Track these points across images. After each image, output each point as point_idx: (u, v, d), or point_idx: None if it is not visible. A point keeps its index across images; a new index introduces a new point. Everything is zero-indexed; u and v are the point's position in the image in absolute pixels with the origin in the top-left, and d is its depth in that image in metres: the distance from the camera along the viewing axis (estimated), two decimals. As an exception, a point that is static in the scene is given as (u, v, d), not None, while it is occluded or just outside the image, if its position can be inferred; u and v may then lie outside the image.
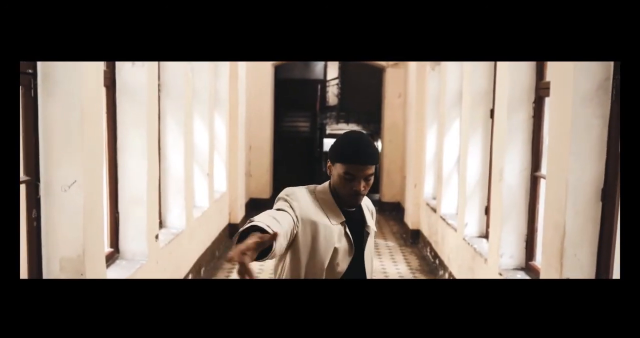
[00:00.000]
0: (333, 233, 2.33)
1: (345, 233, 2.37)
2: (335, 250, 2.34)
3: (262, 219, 2.06)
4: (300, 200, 2.32)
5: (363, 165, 2.26)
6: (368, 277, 2.48)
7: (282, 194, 2.37)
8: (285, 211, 2.26)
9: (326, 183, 2.44)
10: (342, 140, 2.33)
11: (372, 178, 2.32)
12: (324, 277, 2.34)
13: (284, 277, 2.38)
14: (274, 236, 1.91)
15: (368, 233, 2.47)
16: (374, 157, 2.29)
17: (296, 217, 2.28)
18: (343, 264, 2.38)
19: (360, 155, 2.26)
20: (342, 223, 2.36)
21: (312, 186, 2.45)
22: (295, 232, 2.28)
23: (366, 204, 2.56)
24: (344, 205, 2.38)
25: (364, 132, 2.37)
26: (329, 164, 2.38)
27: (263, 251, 1.96)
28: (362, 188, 2.30)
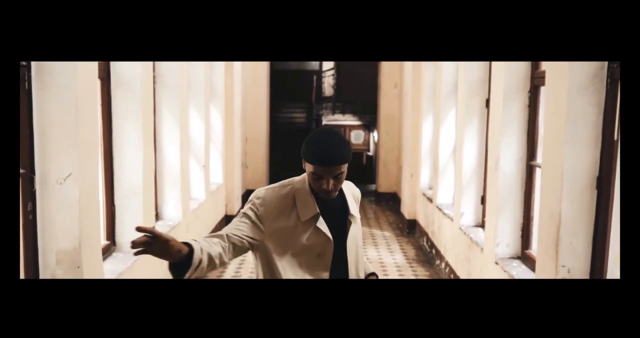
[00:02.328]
0: (301, 232, 2.36)
1: (317, 227, 2.38)
2: (308, 246, 2.37)
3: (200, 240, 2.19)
4: (267, 205, 2.37)
5: (330, 167, 2.28)
6: (351, 267, 2.46)
7: (252, 197, 2.42)
8: (245, 222, 2.34)
9: (304, 174, 2.46)
10: (311, 140, 2.32)
11: (343, 174, 2.34)
12: (308, 274, 2.37)
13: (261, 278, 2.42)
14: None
15: (351, 222, 2.47)
16: (342, 159, 2.29)
17: (261, 222, 2.35)
18: (327, 256, 2.40)
19: (328, 157, 2.26)
20: (315, 217, 2.38)
21: (287, 181, 2.47)
22: (258, 238, 2.35)
23: (351, 190, 2.56)
24: (320, 197, 2.40)
25: (335, 130, 2.38)
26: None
27: (182, 264, 2.07)
28: (330, 187, 2.31)
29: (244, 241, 2.31)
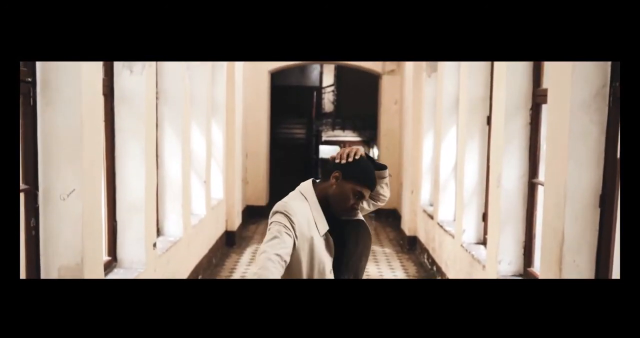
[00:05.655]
0: (322, 245, 2.49)
1: (327, 242, 2.51)
2: (324, 261, 2.49)
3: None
4: (297, 216, 2.44)
5: (372, 189, 2.56)
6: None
7: (281, 209, 2.45)
8: (286, 233, 2.39)
9: (310, 187, 2.54)
10: (363, 164, 2.50)
11: None
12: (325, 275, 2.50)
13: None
14: None
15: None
16: None
17: (295, 235, 2.41)
18: (329, 266, 2.53)
19: (374, 182, 2.55)
20: (327, 233, 2.51)
21: (298, 195, 2.55)
22: (293, 246, 2.42)
23: None
24: (337, 215, 2.54)
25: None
26: (336, 174, 2.47)
27: None
28: (359, 205, 2.58)
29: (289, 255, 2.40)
